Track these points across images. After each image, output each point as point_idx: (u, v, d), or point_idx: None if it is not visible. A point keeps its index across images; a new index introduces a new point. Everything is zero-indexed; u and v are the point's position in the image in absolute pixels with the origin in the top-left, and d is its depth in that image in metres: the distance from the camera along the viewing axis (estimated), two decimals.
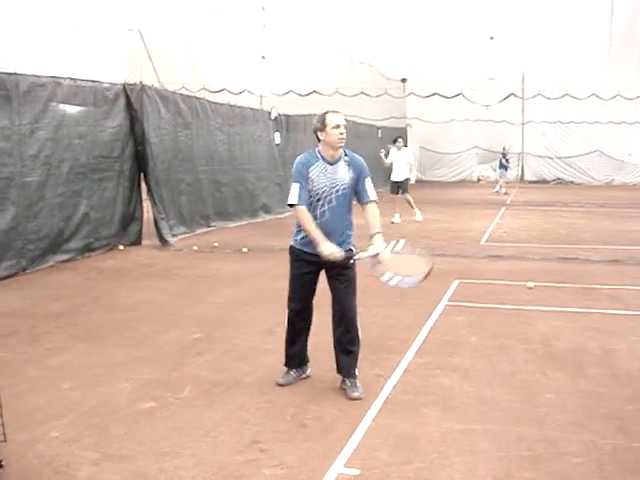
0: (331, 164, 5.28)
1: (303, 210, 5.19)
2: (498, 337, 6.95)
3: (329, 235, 5.16)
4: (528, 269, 10.72)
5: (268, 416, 4.95)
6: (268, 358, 6.28)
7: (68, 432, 4.67)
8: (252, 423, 4.82)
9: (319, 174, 5.24)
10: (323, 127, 5.22)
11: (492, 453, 4.33)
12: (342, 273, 5.33)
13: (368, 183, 5.37)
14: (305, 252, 5.33)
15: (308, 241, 5.24)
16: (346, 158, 5.34)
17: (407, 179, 17.91)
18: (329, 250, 5.04)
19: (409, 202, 17.99)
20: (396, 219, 17.35)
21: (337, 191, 5.25)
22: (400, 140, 18.01)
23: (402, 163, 17.56)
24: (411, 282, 5.22)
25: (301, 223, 5.25)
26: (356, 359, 5.46)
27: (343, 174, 5.27)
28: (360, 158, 5.44)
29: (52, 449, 4.41)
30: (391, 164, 17.71)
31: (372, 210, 5.37)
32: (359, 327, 5.45)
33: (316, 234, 5.10)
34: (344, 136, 5.22)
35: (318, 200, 5.25)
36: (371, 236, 5.24)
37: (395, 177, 17.85)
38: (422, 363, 6.14)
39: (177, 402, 5.23)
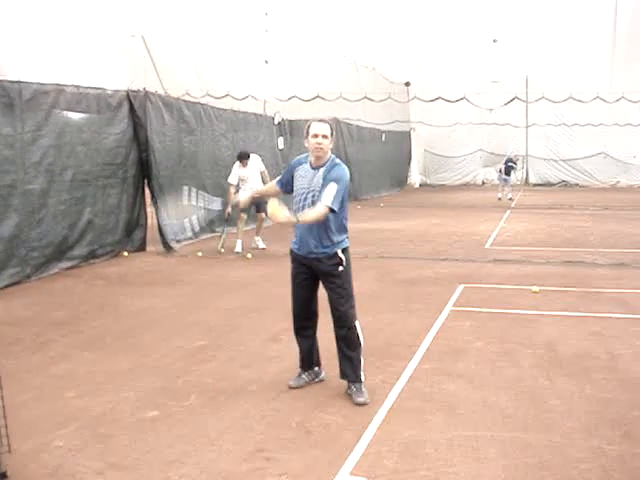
0: (313, 169, 5.43)
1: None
2: (503, 342, 6.92)
3: (305, 237, 5.39)
4: (533, 273, 10.69)
5: (273, 424, 4.93)
6: (273, 365, 6.26)
7: (72, 441, 4.65)
8: (257, 431, 4.80)
9: (302, 175, 5.48)
10: (306, 135, 5.42)
11: (498, 460, 4.30)
12: (331, 280, 5.42)
13: (330, 187, 5.24)
14: (296, 253, 5.54)
15: (297, 244, 5.51)
16: (329, 166, 5.39)
17: None
18: (270, 207, 5.22)
19: (261, 224, 14.08)
20: (261, 244, 13.92)
21: (312, 196, 5.35)
22: (243, 154, 13.64)
23: (257, 175, 13.48)
24: None
25: None
26: (358, 363, 5.46)
27: (318, 180, 5.36)
28: (343, 168, 5.41)
29: (56, 459, 4.40)
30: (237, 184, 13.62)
31: (314, 208, 5.25)
32: (359, 331, 5.46)
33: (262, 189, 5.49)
34: (321, 145, 5.33)
35: (298, 201, 5.45)
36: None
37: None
38: (427, 369, 6.12)
39: (182, 410, 5.22)
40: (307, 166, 5.48)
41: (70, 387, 5.76)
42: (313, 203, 5.32)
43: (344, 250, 5.44)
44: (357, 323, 5.48)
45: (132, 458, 4.40)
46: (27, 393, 5.61)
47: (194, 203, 14.82)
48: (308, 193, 5.38)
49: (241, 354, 6.66)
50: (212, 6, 22.86)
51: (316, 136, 5.33)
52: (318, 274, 5.49)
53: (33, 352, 6.84)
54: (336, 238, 5.39)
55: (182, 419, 5.04)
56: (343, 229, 5.47)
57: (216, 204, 14.98)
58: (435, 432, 4.73)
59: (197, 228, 14.76)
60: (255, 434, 4.75)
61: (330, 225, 5.35)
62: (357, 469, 4.21)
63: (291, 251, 5.63)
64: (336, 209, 5.24)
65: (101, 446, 4.58)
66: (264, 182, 13.07)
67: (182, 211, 14.33)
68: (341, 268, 5.39)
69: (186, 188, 14.56)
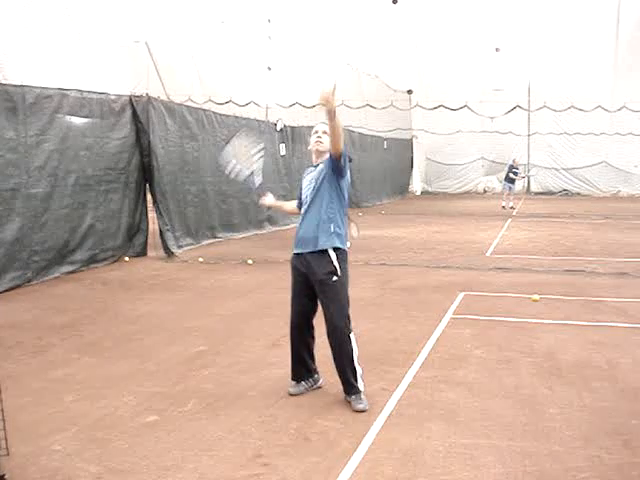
0: (315, 167, 5.58)
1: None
2: (503, 350, 6.92)
3: (306, 230, 5.43)
4: (534, 281, 10.68)
5: (271, 430, 4.92)
6: (272, 371, 6.27)
7: (71, 445, 4.66)
8: (255, 437, 4.80)
9: (305, 177, 5.67)
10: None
11: (497, 468, 4.30)
12: (322, 289, 5.37)
13: None
14: (295, 256, 5.55)
15: (297, 241, 5.53)
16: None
17: None
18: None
19: None
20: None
21: (312, 188, 5.46)
22: None
23: None
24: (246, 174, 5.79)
25: None
26: (350, 374, 5.36)
27: (319, 171, 5.47)
28: None
29: (55, 462, 4.40)
30: None
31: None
32: (351, 341, 5.34)
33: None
34: (320, 140, 5.47)
35: (306, 196, 5.58)
36: None
37: None
38: (427, 377, 6.11)
39: (180, 415, 5.22)
40: (310, 168, 5.65)
41: (70, 391, 5.77)
42: (317, 192, 5.38)
43: (339, 254, 5.37)
44: (352, 335, 5.37)
45: (130, 463, 4.40)
46: (26, 396, 5.62)
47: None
48: (311, 184, 5.48)
49: (241, 360, 6.67)
50: (215, 13, 22.87)
51: (316, 132, 5.51)
52: (313, 282, 5.42)
53: (33, 356, 6.85)
54: (335, 228, 5.35)
55: (181, 424, 5.04)
56: (342, 224, 5.44)
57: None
58: (434, 440, 4.73)
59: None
60: (253, 440, 4.74)
61: (329, 216, 5.36)
62: (355, 476, 4.20)
63: (292, 260, 5.62)
64: (345, 157, 5.27)
65: (99, 450, 4.58)
66: None
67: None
68: (335, 278, 5.31)
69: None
